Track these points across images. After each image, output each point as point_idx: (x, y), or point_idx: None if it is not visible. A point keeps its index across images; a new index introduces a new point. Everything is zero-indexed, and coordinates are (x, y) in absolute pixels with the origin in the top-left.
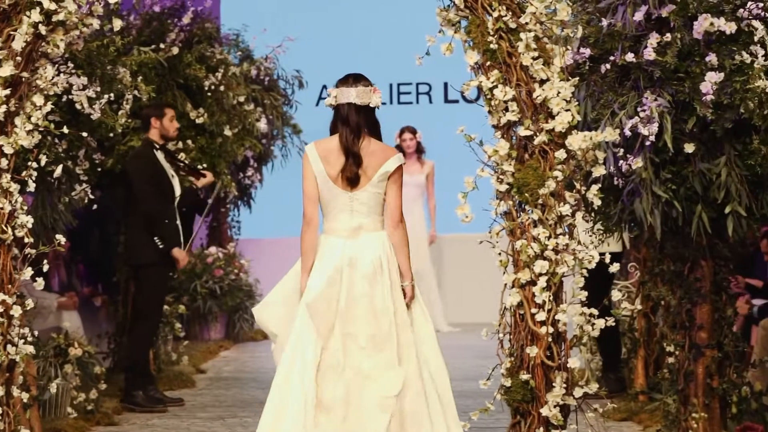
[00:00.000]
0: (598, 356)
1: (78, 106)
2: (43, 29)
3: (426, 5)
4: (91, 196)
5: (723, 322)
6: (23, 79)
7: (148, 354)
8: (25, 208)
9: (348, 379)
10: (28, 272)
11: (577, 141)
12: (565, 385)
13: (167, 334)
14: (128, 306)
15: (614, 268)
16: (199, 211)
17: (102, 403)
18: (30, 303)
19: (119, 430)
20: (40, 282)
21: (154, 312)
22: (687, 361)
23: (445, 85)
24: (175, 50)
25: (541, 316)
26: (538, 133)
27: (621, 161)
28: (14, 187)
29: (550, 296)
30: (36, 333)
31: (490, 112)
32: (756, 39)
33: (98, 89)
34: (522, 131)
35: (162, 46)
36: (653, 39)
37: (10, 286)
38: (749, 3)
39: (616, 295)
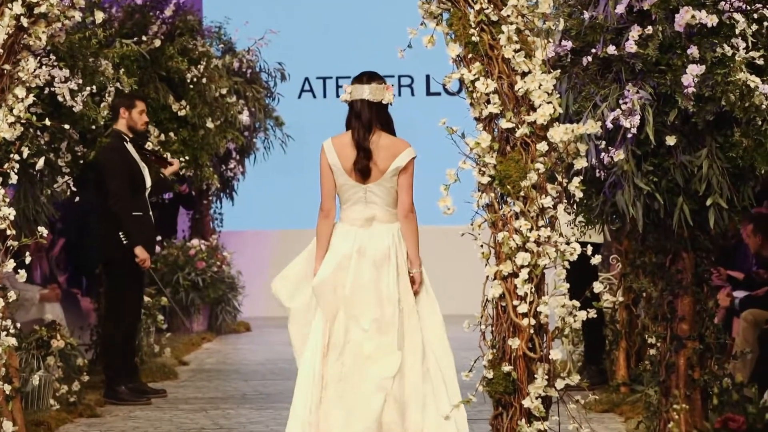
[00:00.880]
0: (580, 348)
1: (60, 99)
2: (25, 21)
3: None
4: (74, 189)
5: (704, 313)
6: (5, 71)
7: (132, 347)
8: (7, 200)
9: (348, 359)
10: (10, 264)
11: (558, 133)
12: (546, 377)
13: (150, 326)
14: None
15: (596, 260)
16: (186, 204)
17: (84, 395)
18: (12, 295)
19: (102, 422)
20: (23, 274)
21: (125, 309)
22: (668, 353)
23: (427, 77)
24: (158, 43)
25: (523, 308)
26: (519, 126)
27: (603, 153)
28: None
29: (532, 288)
30: (18, 325)
31: (471, 104)
32: (737, 32)
33: (80, 81)
34: (504, 123)
35: (144, 38)
36: (635, 31)
37: None
38: None
39: (597, 286)
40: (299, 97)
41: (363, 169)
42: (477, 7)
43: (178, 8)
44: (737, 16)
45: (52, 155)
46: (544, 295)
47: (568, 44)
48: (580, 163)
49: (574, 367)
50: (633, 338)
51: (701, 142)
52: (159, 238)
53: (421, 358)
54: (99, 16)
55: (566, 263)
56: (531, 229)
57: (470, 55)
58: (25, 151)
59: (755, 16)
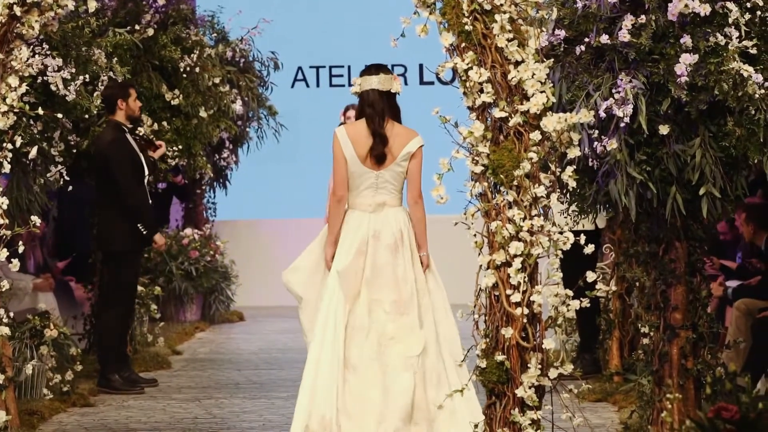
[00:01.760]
0: (573, 337)
1: (53, 88)
2: (18, 10)
3: None
4: (66, 178)
5: (697, 303)
6: None
7: (125, 336)
8: (0, 189)
9: (373, 341)
10: (4, 254)
11: (551, 122)
12: (540, 366)
13: (143, 316)
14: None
15: (589, 249)
16: (180, 196)
17: (78, 384)
18: (5, 284)
19: (95, 411)
20: (16, 263)
21: (123, 298)
22: (661, 343)
23: (420, 66)
24: (150, 32)
25: (516, 297)
26: (513, 115)
27: (596, 143)
28: None
29: (525, 277)
30: (11, 314)
31: (465, 93)
32: (730, 21)
33: (73, 70)
34: (497, 113)
35: (137, 27)
36: (628, 21)
37: None
38: None
39: (590, 276)
40: (292, 86)
41: (379, 155)
42: None
43: None
44: (730, 5)
45: (45, 144)
46: (538, 284)
47: (562, 33)
48: (573, 153)
49: (567, 356)
50: (626, 328)
51: (694, 132)
52: None
53: (435, 336)
54: (92, 5)
55: (559, 252)
56: (524, 219)
57: (463, 44)
58: (18, 141)
59: (748, 5)
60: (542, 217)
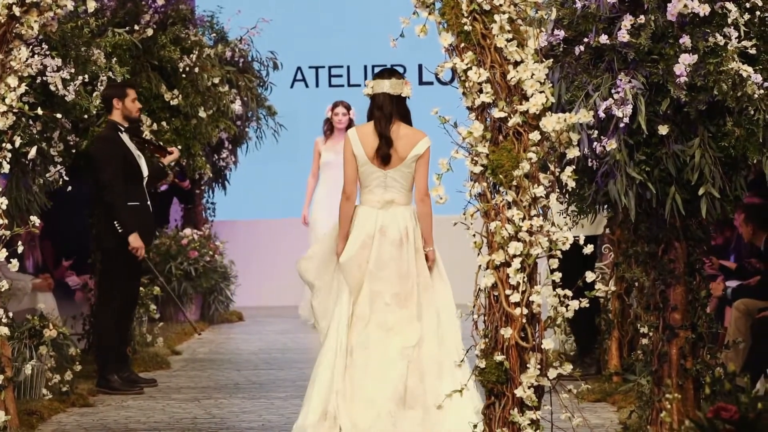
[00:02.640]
0: (572, 337)
1: (52, 88)
2: (17, 10)
3: None
4: (66, 178)
5: (697, 303)
6: None
7: (125, 336)
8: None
9: (372, 330)
10: (3, 254)
11: (551, 123)
12: (539, 367)
13: (142, 316)
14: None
15: (588, 249)
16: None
17: (77, 384)
18: (4, 284)
19: (94, 412)
20: (15, 263)
21: (116, 297)
22: (661, 343)
23: (420, 66)
24: (150, 32)
25: (516, 297)
26: (512, 115)
27: (595, 143)
28: None
29: (524, 278)
30: (11, 314)
31: (464, 93)
32: (729, 21)
33: (72, 71)
34: (496, 113)
35: (136, 27)
36: (627, 21)
37: None
38: None
39: (590, 276)
40: (292, 86)
41: (384, 156)
42: None
43: None
44: (729, 5)
45: (44, 144)
46: (537, 284)
47: (561, 33)
48: (573, 153)
49: (566, 356)
50: (625, 328)
51: (693, 132)
52: None
53: (436, 329)
54: (91, 5)
55: (558, 253)
56: (523, 219)
57: (462, 45)
58: (17, 141)
59: (747, 5)
60: (541, 218)
